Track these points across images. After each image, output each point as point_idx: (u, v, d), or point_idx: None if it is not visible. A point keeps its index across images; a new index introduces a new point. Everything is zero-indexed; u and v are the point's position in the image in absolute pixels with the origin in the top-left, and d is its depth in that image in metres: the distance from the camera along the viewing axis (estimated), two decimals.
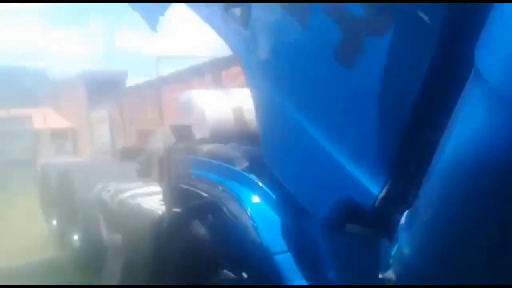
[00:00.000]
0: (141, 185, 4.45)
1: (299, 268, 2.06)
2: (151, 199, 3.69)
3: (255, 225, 2.15)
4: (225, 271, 2.47)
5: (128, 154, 6.07)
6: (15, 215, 9.10)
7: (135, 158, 4.49)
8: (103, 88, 17.82)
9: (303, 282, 2.04)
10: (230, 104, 3.90)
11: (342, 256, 1.93)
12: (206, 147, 2.91)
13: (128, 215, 3.62)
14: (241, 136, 3.53)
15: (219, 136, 3.54)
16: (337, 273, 1.96)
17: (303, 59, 1.78)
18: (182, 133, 3.48)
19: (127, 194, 3.98)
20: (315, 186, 1.81)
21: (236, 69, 9.36)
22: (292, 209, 2.12)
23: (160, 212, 3.15)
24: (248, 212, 2.19)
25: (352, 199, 1.61)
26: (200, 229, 2.59)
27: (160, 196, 3.72)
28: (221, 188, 2.39)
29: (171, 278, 2.88)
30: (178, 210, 2.85)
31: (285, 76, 1.90)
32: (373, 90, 1.49)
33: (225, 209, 2.25)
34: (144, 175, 4.06)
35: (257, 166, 2.44)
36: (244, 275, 2.38)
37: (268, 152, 2.11)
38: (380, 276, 1.44)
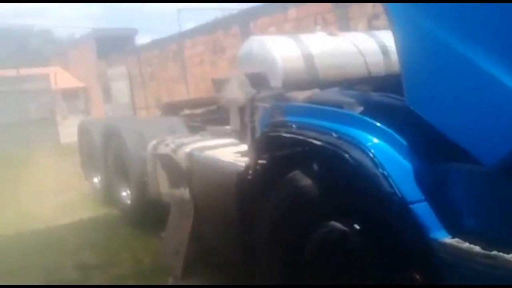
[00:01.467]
0: (201, 138, 4.30)
1: (438, 217, 1.91)
2: (223, 151, 3.55)
3: (385, 173, 1.99)
4: (332, 222, 2.35)
5: (172, 109, 5.90)
6: (50, 175, 9.08)
7: (198, 109, 4.29)
8: (115, 45, 17.48)
9: (442, 233, 1.89)
10: (299, 50, 3.69)
11: (494, 207, 1.78)
12: (301, 94, 2.72)
13: (202, 169, 3.46)
14: (319, 82, 3.35)
15: (297, 82, 3.36)
16: (480, 224, 1.83)
17: None
18: (259, 81, 3.29)
19: (193, 146, 3.82)
20: (489, 130, 1.62)
21: (265, 20, 9.06)
22: (432, 155, 1.96)
23: (243, 164, 2.99)
24: (376, 160, 2.02)
25: None
26: (303, 179, 2.44)
27: (233, 148, 3.58)
28: (335, 135, 2.21)
29: (260, 235, 2.76)
30: (269, 160, 2.69)
31: (453, 10, 1.68)
32: None
33: (347, 157, 2.08)
34: (219, 124, 3.86)
35: (375, 110, 2.27)
36: (356, 226, 2.25)
37: (418, 95, 1.91)
38: None
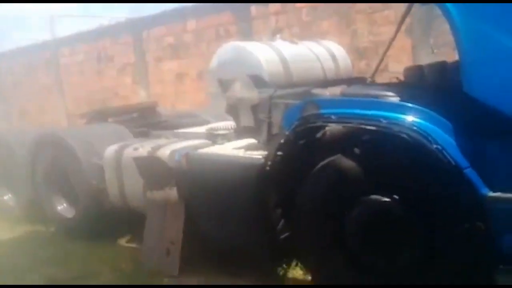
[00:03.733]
0: (172, 140, 4.37)
1: (482, 180, 2.50)
2: (219, 148, 3.75)
3: (439, 147, 2.53)
4: (373, 196, 2.81)
5: (98, 117, 5.73)
6: None
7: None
8: None
9: (486, 189, 2.49)
10: (276, 55, 4.10)
11: None
12: (326, 91, 3.13)
13: (208, 166, 3.57)
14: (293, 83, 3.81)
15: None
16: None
17: None
18: (259, 81, 3.61)
19: (173, 147, 3.95)
20: None
21: (162, 29, 9.07)
22: (468, 132, 2.56)
23: (261, 158, 3.27)
24: (430, 138, 2.55)
25: None
26: (345, 161, 2.85)
27: (229, 145, 3.80)
28: (384, 120, 2.68)
29: (301, 217, 3.07)
30: (302, 149, 3.03)
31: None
32: None
33: (406, 137, 2.57)
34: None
35: (411, 98, 2.79)
36: (395, 196, 2.76)
37: (476, 83, 2.47)
38: None
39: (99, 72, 10.20)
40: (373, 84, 3.40)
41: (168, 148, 4.10)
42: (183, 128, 4.91)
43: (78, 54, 10.59)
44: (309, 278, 3.52)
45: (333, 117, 2.89)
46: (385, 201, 2.77)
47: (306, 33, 7.16)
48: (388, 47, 4.08)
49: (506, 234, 2.48)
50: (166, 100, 8.80)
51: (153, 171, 4.04)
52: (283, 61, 4.06)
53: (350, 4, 6.95)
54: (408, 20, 6.82)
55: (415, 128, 2.61)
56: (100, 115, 5.75)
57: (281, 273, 3.75)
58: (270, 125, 3.34)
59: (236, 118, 3.81)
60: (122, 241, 4.95)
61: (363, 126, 2.73)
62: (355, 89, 3.13)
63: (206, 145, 3.98)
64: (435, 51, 6.73)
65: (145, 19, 9.19)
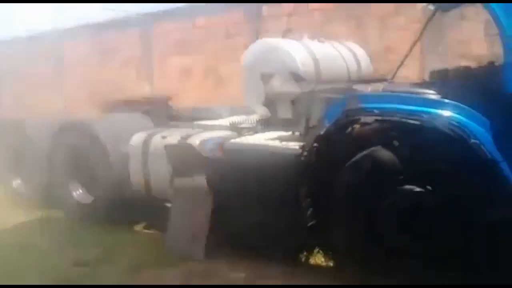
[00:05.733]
0: (198, 131, 4.48)
1: None
2: (252, 138, 3.88)
3: (478, 142, 2.72)
4: (407, 186, 2.98)
5: (117, 107, 5.82)
6: None
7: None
8: None
9: None
10: (309, 54, 4.26)
11: None
12: (368, 87, 3.31)
13: (247, 156, 3.68)
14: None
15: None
16: None
17: None
18: (298, 77, 3.77)
19: (203, 137, 4.06)
20: None
21: (170, 25, 9.13)
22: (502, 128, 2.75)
23: (297, 148, 3.42)
24: (470, 133, 2.74)
25: None
26: (385, 153, 3.01)
27: (260, 136, 3.94)
28: (425, 116, 2.86)
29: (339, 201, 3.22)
30: (343, 141, 3.18)
31: None
32: None
33: (448, 131, 2.75)
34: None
35: (448, 95, 2.97)
36: (431, 187, 2.92)
37: None
38: None
39: (103, 63, 10.21)
40: (412, 83, 3.59)
41: (198, 137, 4.23)
42: (200, 121, 5.02)
43: (82, 46, 10.59)
44: (330, 264, 3.70)
45: (375, 111, 3.06)
46: (421, 192, 2.94)
47: (318, 35, 7.34)
48: (411, 49, 4.29)
49: None
50: (171, 95, 8.88)
51: (184, 159, 4.14)
52: (314, 59, 4.23)
53: (363, 8, 7.14)
54: (417, 26, 7.12)
55: (455, 123, 2.79)
56: (123, 105, 5.82)
57: (303, 259, 3.92)
58: (309, 118, 3.49)
59: (273, 110, 3.96)
60: (138, 227, 5.03)
61: (405, 120, 2.90)
62: (396, 86, 3.30)
63: (235, 136, 4.12)
64: (443, 58, 7.04)
65: (155, 14, 9.25)
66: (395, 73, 3.96)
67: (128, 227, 4.93)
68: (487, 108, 2.85)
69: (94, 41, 10.32)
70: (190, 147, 4.08)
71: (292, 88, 3.64)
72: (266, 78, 3.83)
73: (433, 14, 3.82)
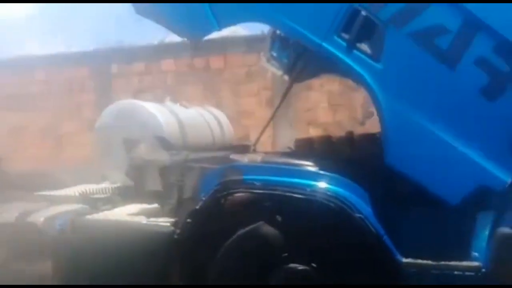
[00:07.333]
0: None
1: (397, 246, 2.74)
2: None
3: (362, 216, 2.71)
4: (291, 265, 2.85)
5: None
6: None
7: None
8: None
9: (400, 256, 2.73)
10: (174, 117, 4.02)
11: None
12: (242, 157, 3.12)
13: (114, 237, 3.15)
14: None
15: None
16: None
17: (444, 91, 2.59)
18: (165, 143, 3.43)
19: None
20: (450, 180, 2.60)
21: None
22: (386, 200, 2.81)
23: (169, 225, 3.06)
24: (353, 207, 2.72)
25: (484, 187, 2.51)
26: (268, 229, 2.83)
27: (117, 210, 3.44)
28: (309, 189, 2.79)
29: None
30: (223, 216, 2.93)
31: (423, 99, 2.64)
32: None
33: (332, 206, 2.70)
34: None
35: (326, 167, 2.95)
36: (315, 264, 2.83)
37: (396, 155, 2.72)
38: None
39: None
40: (288, 152, 3.52)
41: (41, 213, 3.56)
42: (38, 191, 4.28)
43: None
44: None
45: (256, 183, 2.89)
46: (305, 269, 2.80)
47: (171, 96, 7.17)
48: (272, 117, 4.35)
49: None
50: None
51: (24, 240, 3.43)
52: (180, 124, 3.98)
53: (216, 73, 7.23)
54: (269, 92, 7.43)
55: (339, 197, 2.76)
56: None
57: None
58: (181, 189, 3.17)
59: (139, 181, 3.52)
60: None
61: (288, 194, 2.79)
62: (275, 157, 3.20)
63: (88, 211, 3.55)
64: (292, 125, 7.41)
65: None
66: (258, 139, 3.92)
67: None
68: (365, 179, 2.89)
69: None
70: (32, 225, 3.38)
71: (161, 156, 3.30)
72: (129, 143, 3.42)
73: (291, 85, 3.92)
